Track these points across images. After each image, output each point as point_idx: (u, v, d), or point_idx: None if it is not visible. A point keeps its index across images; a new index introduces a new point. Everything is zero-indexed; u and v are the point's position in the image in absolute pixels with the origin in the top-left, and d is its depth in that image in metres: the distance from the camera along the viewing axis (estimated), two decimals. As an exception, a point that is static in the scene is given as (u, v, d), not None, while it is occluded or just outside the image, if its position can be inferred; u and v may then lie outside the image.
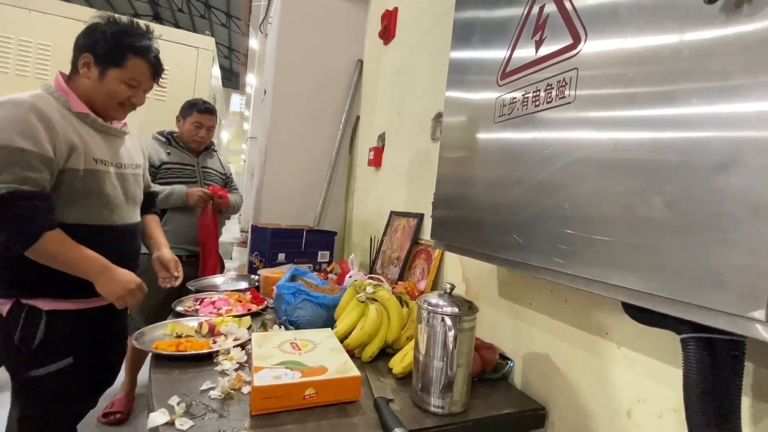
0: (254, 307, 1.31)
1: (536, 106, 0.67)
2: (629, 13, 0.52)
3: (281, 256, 1.79)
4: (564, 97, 0.61)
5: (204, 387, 0.80)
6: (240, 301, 1.33)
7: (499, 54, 0.77)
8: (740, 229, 0.38)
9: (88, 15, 2.81)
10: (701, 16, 0.43)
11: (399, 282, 1.41)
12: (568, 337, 0.85)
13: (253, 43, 9.20)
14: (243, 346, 1.00)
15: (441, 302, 0.80)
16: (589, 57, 0.57)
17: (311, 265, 1.87)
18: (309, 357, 0.88)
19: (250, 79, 8.85)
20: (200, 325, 1.09)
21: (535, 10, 0.69)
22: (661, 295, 0.46)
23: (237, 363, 0.91)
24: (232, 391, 0.80)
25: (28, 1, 2.72)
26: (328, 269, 1.75)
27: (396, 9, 1.98)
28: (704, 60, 0.43)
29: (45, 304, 1.02)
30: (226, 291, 1.43)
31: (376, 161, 2.03)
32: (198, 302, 1.30)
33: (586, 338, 0.81)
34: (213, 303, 1.29)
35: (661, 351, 0.66)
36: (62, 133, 0.99)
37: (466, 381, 0.80)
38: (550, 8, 0.65)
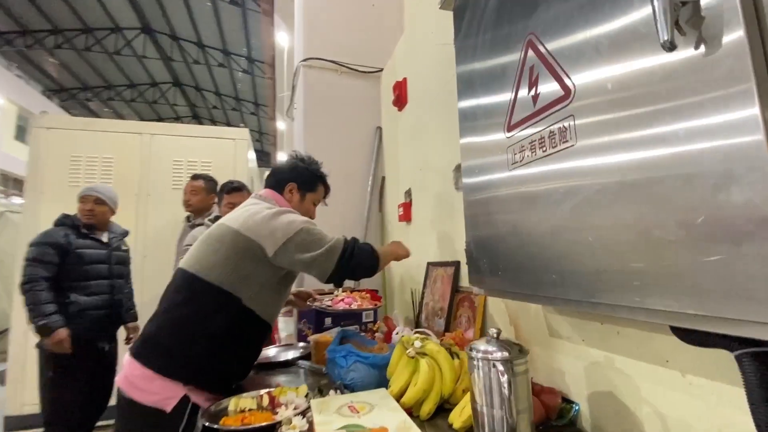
0: (377, 303, 1.58)
1: (543, 151, 0.73)
2: (607, 60, 0.59)
3: (328, 321, 1.84)
4: (567, 140, 0.67)
5: (272, 458, 0.83)
6: (363, 299, 1.58)
7: (501, 110, 0.86)
8: (753, 241, 0.41)
9: (142, 128, 3.25)
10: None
11: (446, 333, 1.41)
12: (628, 371, 0.82)
13: (280, 125, 10.12)
14: (303, 413, 1.03)
15: (489, 348, 0.81)
16: (581, 104, 0.64)
17: (357, 326, 1.90)
18: (368, 419, 0.89)
19: (281, 157, 9.61)
20: (260, 397, 1.14)
21: (527, 70, 0.78)
22: (699, 313, 0.47)
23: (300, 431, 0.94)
24: (298, 460, 0.82)
25: (91, 123, 3.22)
26: (374, 328, 1.77)
27: (405, 79, 2.18)
28: (675, 80, 0.48)
29: (206, 403, 1.12)
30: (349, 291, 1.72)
31: (406, 216, 2.11)
32: (330, 300, 1.57)
33: (647, 369, 0.78)
34: (343, 300, 1.56)
35: (731, 373, 0.63)
36: None
37: (530, 428, 0.78)
38: (539, 68, 0.74)
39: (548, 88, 0.71)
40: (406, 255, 1.45)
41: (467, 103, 1.02)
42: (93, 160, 3.08)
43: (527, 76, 0.77)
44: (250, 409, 1.10)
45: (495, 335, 0.84)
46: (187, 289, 1.19)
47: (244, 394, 1.18)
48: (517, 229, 0.80)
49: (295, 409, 1.05)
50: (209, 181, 2.52)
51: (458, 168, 1.56)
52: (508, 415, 0.75)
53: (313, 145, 2.60)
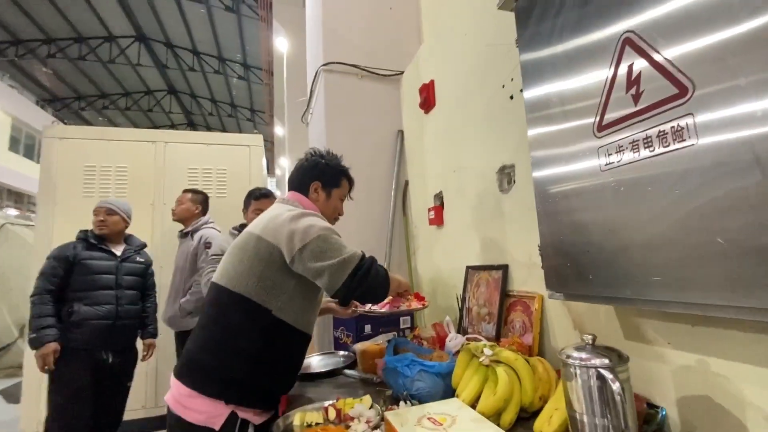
0: (424, 303, 1.54)
1: (651, 151, 0.71)
2: (746, 59, 0.57)
3: (367, 328, 1.81)
4: (683, 140, 0.65)
5: (364, 477, 0.79)
6: (409, 300, 1.52)
7: (588, 112, 0.84)
8: None
9: (156, 136, 3.21)
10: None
11: (500, 339, 1.38)
12: (729, 374, 0.80)
13: (279, 130, 10.09)
14: (376, 427, 1.00)
15: (586, 354, 0.79)
16: (703, 101, 0.62)
17: (395, 332, 1.87)
18: (456, 430, 0.86)
19: (283, 163, 9.56)
20: (326, 410, 1.10)
21: (623, 68, 0.76)
22: None
23: (382, 446, 0.90)
24: (394, 478, 0.79)
25: (104, 133, 3.17)
26: (416, 333, 1.74)
27: (432, 81, 2.17)
28: None
29: (255, 418, 1.10)
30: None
31: (438, 220, 2.09)
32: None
33: (753, 372, 0.76)
34: (389, 304, 1.49)
35: None
36: None
37: (637, 436, 0.76)
38: (641, 65, 0.72)
39: (656, 86, 0.69)
40: (407, 287, 1.35)
41: (538, 99, 1.00)
42: (107, 169, 3.03)
43: (625, 74, 0.75)
44: (317, 423, 1.07)
45: (590, 341, 0.81)
46: (218, 303, 1.16)
47: (309, 407, 1.15)
48: (617, 232, 0.78)
49: (367, 422, 1.02)
50: (197, 193, 2.67)
51: (503, 169, 1.54)
52: (624, 426, 0.73)
53: (335, 149, 2.56)
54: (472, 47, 1.76)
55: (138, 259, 2.39)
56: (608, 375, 0.74)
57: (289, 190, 1.38)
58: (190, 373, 1.11)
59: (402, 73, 2.66)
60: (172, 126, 18.38)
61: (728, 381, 0.80)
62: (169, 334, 2.66)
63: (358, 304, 1.60)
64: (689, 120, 0.64)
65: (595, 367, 0.76)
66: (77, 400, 2.06)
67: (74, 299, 2.11)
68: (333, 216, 1.40)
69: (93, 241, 2.23)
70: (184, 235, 2.61)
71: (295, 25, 7.14)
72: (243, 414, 1.08)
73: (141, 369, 2.89)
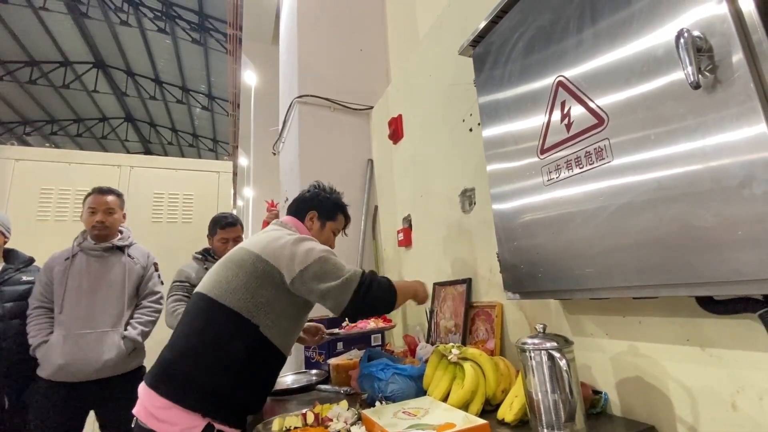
0: (390, 323, 1.76)
1: (580, 168, 0.89)
2: (637, 92, 0.77)
3: (340, 345, 1.85)
4: (603, 158, 0.83)
5: (347, 462, 0.85)
6: (375, 322, 1.72)
7: (532, 136, 1.02)
8: (777, 220, 0.57)
9: (121, 160, 3.17)
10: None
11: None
12: (653, 355, 0.96)
13: (243, 161, 10.06)
14: (354, 424, 1.06)
15: (539, 340, 0.92)
16: (615, 129, 0.81)
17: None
18: (430, 419, 0.95)
19: (246, 193, 9.47)
20: (304, 416, 1.14)
21: (558, 104, 0.95)
22: (733, 279, 0.62)
23: (362, 439, 0.97)
24: (375, 461, 0.85)
25: (66, 156, 3.10)
26: (386, 349, 1.81)
27: (400, 115, 2.37)
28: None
29: (230, 430, 1.10)
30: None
31: (406, 241, 2.22)
32: (342, 327, 1.74)
33: (670, 350, 0.92)
34: (356, 325, 1.67)
35: (743, 340, 0.79)
36: None
37: (584, 409, 0.89)
38: (570, 102, 0.92)
39: (581, 118, 0.89)
40: (426, 298, 1.44)
41: (494, 131, 1.18)
42: (65, 193, 2.93)
43: (559, 109, 0.94)
44: (296, 428, 1.11)
45: (542, 330, 0.95)
46: (205, 314, 1.17)
47: (287, 414, 1.18)
48: (559, 234, 0.94)
49: (345, 421, 1.08)
50: (120, 196, 2.09)
51: (465, 192, 1.72)
52: (570, 398, 0.85)
53: (308, 177, 2.67)
54: (436, 86, 1.99)
55: (24, 278, 1.96)
56: (556, 354, 0.87)
57: (287, 214, 1.48)
58: (167, 382, 1.09)
59: (372, 108, 2.87)
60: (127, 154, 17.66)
61: (653, 360, 0.96)
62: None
63: (325, 330, 1.67)
64: (606, 143, 0.83)
65: (546, 349, 0.89)
66: None
67: None
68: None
69: None
70: (110, 249, 1.98)
71: (264, 59, 7.38)
72: (219, 426, 1.09)
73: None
